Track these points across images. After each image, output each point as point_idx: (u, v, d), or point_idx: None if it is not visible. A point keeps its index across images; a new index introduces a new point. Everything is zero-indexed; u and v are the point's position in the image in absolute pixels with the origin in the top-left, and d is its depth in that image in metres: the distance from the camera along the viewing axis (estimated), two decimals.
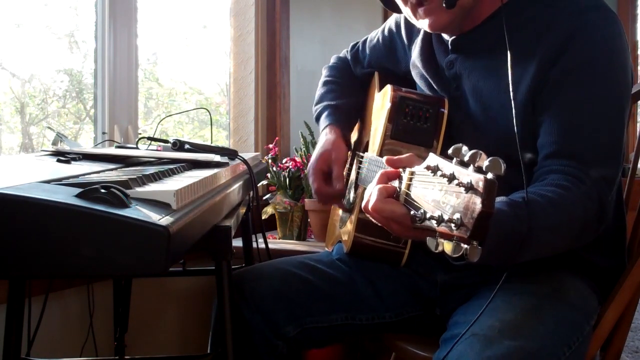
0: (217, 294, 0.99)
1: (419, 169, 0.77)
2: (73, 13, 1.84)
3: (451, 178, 0.67)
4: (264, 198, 2.09)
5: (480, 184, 0.63)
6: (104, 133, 1.81)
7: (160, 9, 2.14)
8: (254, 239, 1.53)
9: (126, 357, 1.55)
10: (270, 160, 2.12)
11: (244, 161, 1.27)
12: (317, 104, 1.49)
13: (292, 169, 2.07)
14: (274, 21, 2.42)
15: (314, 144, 2.09)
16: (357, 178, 1.34)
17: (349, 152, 1.41)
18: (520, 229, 0.88)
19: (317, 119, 1.46)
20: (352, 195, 1.36)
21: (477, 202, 0.63)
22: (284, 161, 2.12)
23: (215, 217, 0.91)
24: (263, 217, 2.05)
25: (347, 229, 1.29)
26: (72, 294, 1.57)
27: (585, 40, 1.03)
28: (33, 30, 1.73)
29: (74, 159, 1.03)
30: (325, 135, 1.36)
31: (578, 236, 1.01)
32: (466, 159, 0.67)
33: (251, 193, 1.37)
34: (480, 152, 0.66)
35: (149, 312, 1.86)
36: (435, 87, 1.23)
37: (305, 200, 2.02)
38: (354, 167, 1.40)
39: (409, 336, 1.25)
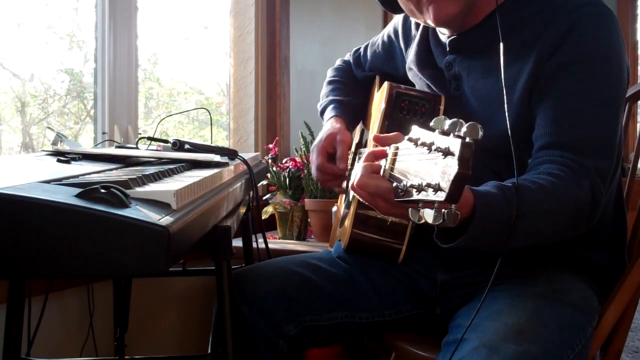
0: (217, 294, 0.99)
1: (403, 143, 0.78)
2: (73, 13, 1.84)
3: (431, 146, 0.69)
4: (264, 198, 2.09)
5: (458, 147, 0.64)
6: (104, 133, 1.81)
7: (160, 9, 2.14)
8: (254, 239, 1.53)
9: (126, 357, 1.55)
10: (270, 160, 2.12)
11: (244, 161, 1.27)
12: (322, 99, 1.51)
13: (292, 169, 2.07)
14: (274, 21, 2.42)
15: None
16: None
17: (350, 150, 1.42)
18: (509, 211, 0.88)
19: (322, 112, 1.48)
20: (352, 193, 1.36)
21: (454, 165, 0.64)
22: (284, 161, 2.12)
23: (215, 217, 0.91)
24: (263, 217, 2.05)
25: (345, 227, 1.29)
26: (72, 294, 1.57)
27: (581, 35, 1.04)
28: (34, 30, 1.73)
29: (74, 159, 1.03)
30: (331, 124, 1.38)
31: (570, 225, 1.00)
32: (446, 127, 0.68)
33: (251, 193, 1.37)
34: (461, 120, 0.67)
35: (149, 312, 1.86)
36: (433, 88, 1.23)
37: (305, 200, 2.02)
38: (356, 164, 1.40)
39: (409, 336, 1.25)
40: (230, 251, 0.96)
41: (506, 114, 0.99)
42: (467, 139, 0.65)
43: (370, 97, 1.50)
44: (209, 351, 1.22)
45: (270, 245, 1.41)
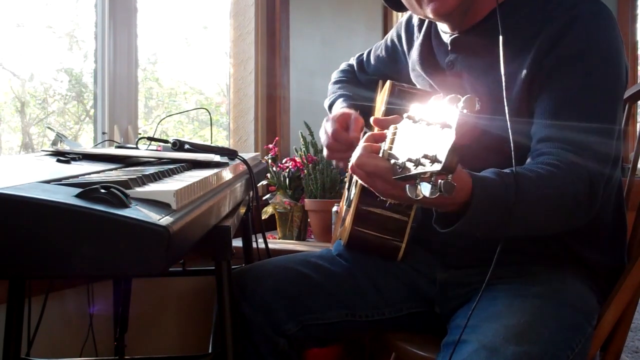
0: (217, 294, 0.99)
1: (402, 122, 0.79)
2: (73, 13, 1.84)
3: (429, 121, 0.70)
4: (264, 198, 2.09)
5: (454, 119, 0.66)
6: (104, 133, 1.81)
7: (160, 9, 2.14)
8: (254, 239, 1.53)
9: (126, 357, 1.55)
10: (270, 160, 2.12)
11: (244, 161, 1.27)
12: (330, 95, 1.51)
13: (292, 169, 2.07)
14: (274, 21, 2.42)
15: (314, 144, 2.09)
16: None
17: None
18: (507, 195, 0.89)
19: (330, 107, 1.47)
20: (353, 191, 1.36)
21: (451, 134, 0.65)
22: (283, 161, 2.12)
23: (215, 217, 0.91)
24: (263, 217, 2.05)
25: (345, 224, 1.30)
26: (72, 294, 1.57)
27: (579, 31, 1.05)
28: (33, 30, 1.73)
29: (74, 159, 1.03)
30: (343, 109, 1.36)
31: (568, 215, 1.01)
32: (444, 103, 0.69)
33: (251, 193, 1.37)
34: (458, 96, 0.68)
35: (149, 312, 1.86)
36: (436, 87, 1.23)
37: (305, 200, 2.02)
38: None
39: (409, 336, 1.25)
40: (230, 251, 0.96)
41: (505, 108, 1.00)
42: (465, 111, 0.66)
43: (373, 101, 1.51)
44: (209, 351, 1.22)
45: (270, 245, 1.41)
